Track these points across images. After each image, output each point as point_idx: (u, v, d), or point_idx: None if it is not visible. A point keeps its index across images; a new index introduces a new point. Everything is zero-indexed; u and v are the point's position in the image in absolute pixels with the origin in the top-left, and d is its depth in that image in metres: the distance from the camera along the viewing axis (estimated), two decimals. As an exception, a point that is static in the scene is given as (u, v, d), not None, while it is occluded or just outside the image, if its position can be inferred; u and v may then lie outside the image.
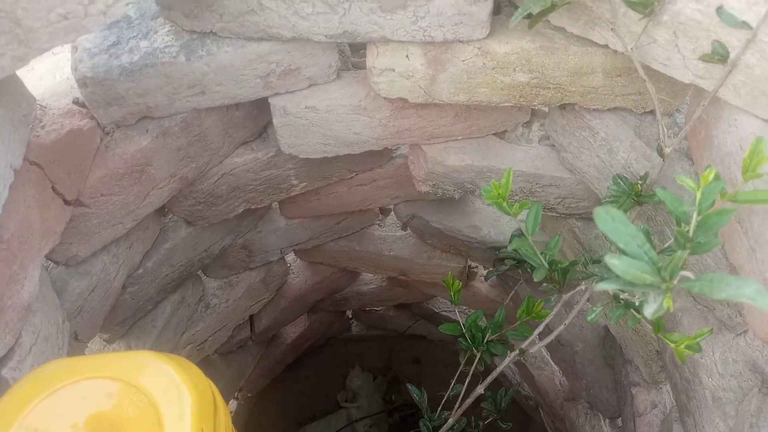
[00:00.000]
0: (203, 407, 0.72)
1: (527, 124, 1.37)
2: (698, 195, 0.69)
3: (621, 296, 0.86)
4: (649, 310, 0.60)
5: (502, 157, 1.35)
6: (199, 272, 1.86)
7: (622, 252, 0.61)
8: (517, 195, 1.40)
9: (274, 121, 1.24)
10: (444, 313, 2.80)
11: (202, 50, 1.06)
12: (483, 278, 2.11)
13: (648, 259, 0.61)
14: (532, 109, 1.35)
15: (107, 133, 1.17)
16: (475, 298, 2.20)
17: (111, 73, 1.04)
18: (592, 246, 1.42)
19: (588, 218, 1.42)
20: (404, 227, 2.08)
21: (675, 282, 0.61)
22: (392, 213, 2.13)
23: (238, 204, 1.49)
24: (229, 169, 1.38)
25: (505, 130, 1.36)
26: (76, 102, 1.13)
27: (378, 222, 2.12)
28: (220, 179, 1.38)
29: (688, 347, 0.78)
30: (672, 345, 0.80)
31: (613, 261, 0.59)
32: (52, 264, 1.22)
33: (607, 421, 1.81)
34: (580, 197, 1.35)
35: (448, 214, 1.80)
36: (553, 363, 2.25)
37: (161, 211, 1.45)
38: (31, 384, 0.73)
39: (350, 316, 3.16)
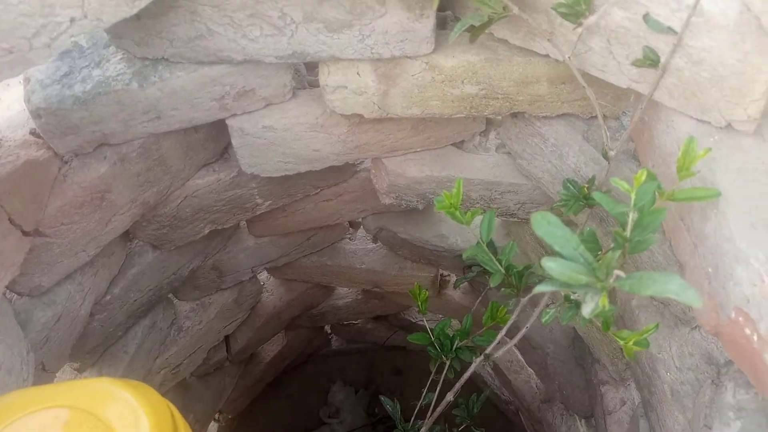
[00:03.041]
0: (162, 430, 0.72)
1: (484, 133, 1.40)
2: (633, 196, 0.72)
3: (572, 296, 0.88)
4: (586, 310, 0.62)
5: (460, 166, 1.38)
6: (170, 295, 1.85)
7: (558, 254, 0.63)
8: (478, 203, 1.42)
9: (233, 141, 1.25)
10: (421, 322, 2.81)
11: (155, 76, 1.07)
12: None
13: (583, 260, 0.63)
14: (487, 118, 1.38)
15: (66, 162, 1.17)
16: (449, 306, 2.22)
17: (64, 103, 1.04)
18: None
19: (548, 222, 1.45)
20: (374, 240, 2.10)
21: (611, 281, 0.63)
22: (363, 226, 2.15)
23: (204, 225, 1.50)
24: (191, 191, 1.38)
25: (463, 140, 1.39)
26: (32, 133, 1.13)
27: (348, 236, 2.14)
28: (183, 202, 1.39)
29: (636, 343, 0.81)
30: (621, 342, 0.82)
31: (549, 263, 0.61)
32: (15, 295, 1.21)
33: (582, 421, 1.83)
34: (539, 202, 1.38)
35: (415, 224, 1.82)
36: (528, 366, 2.28)
37: (126, 236, 1.45)
38: (-11, 417, 0.74)
39: (329, 331, 3.16)
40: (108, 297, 1.46)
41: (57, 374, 1.40)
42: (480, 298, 1.83)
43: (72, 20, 0.80)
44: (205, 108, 1.15)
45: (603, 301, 0.61)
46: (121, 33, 1.03)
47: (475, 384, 2.87)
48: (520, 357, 2.32)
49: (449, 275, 2.27)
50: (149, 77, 1.07)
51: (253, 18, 0.97)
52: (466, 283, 2.04)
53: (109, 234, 1.27)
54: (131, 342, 1.66)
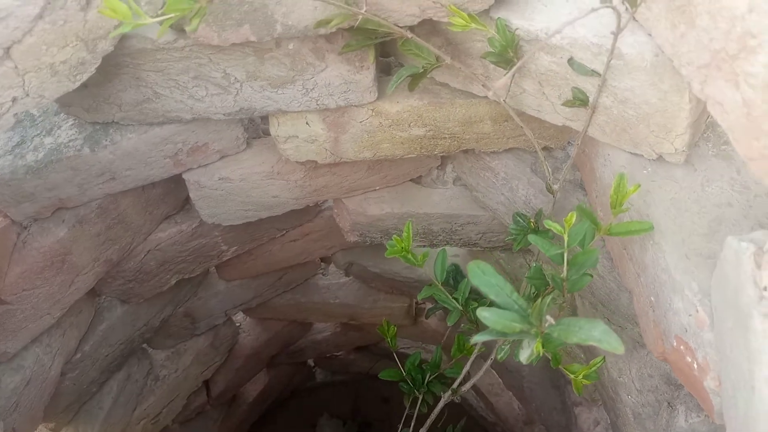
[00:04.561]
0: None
1: (441, 167, 1.43)
2: (566, 237, 0.75)
3: (523, 333, 0.90)
4: (523, 356, 0.64)
5: (419, 201, 1.40)
6: (144, 345, 1.85)
7: (493, 303, 0.66)
8: (440, 235, 1.45)
9: (191, 195, 1.27)
10: (402, 350, 2.82)
11: (106, 140, 1.08)
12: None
13: (518, 308, 0.65)
14: (441, 153, 1.41)
15: (25, 228, 1.18)
16: (426, 333, 2.24)
17: (17, 173, 1.05)
18: (517, 274, 1.47)
19: (510, 249, 1.48)
20: (346, 273, 2.11)
21: (545, 326, 0.65)
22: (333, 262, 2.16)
23: (170, 276, 1.51)
24: (154, 245, 1.39)
25: (421, 176, 1.42)
26: (-11, 201, 1.14)
27: (321, 271, 2.15)
28: (146, 256, 1.40)
29: (585, 377, 0.83)
30: (572, 376, 0.85)
31: (483, 314, 0.63)
32: (-20, 364, 1.21)
33: (563, 440, 1.85)
34: (498, 231, 1.40)
35: (384, 257, 1.83)
36: (507, 389, 2.29)
37: (93, 293, 1.45)
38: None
39: (312, 365, 3.15)
40: (79, 355, 1.46)
41: (30, 438, 1.39)
42: (450, 327, 1.85)
43: (14, 100, 0.81)
44: (160, 165, 1.17)
45: (538, 347, 0.64)
46: (70, 101, 1.04)
47: (462, 407, 2.87)
48: (500, 379, 2.33)
49: (424, 303, 2.29)
50: (101, 141, 1.08)
51: (197, 80, 1.00)
52: (440, 311, 2.06)
53: (74, 294, 1.28)
54: (106, 397, 1.65)
